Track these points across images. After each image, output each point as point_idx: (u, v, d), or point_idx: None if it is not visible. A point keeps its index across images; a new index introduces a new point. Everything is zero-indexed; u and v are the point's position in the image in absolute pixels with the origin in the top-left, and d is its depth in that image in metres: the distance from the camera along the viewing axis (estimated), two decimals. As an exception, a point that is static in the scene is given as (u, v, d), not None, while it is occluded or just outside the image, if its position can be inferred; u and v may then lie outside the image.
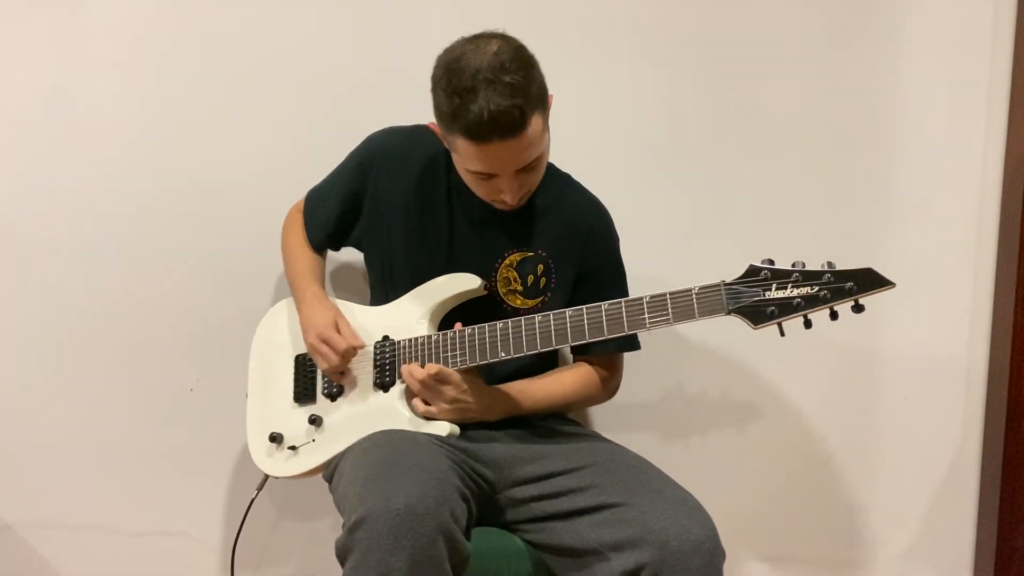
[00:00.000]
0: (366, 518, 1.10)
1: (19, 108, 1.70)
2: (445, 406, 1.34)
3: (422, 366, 1.36)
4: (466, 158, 1.27)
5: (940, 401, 1.77)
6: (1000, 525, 1.71)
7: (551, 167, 1.47)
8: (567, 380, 1.46)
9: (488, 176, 1.29)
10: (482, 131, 1.21)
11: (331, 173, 1.54)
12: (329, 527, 1.78)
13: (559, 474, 1.31)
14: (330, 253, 1.60)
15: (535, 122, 1.24)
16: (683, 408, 1.79)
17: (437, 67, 1.27)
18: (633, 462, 1.32)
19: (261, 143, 1.71)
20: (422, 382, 1.33)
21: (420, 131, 1.47)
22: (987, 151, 1.71)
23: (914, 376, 1.76)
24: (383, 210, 1.46)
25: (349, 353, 1.39)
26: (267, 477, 1.49)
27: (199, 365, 1.76)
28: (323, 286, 1.51)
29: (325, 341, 1.39)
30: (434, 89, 1.27)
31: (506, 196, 1.31)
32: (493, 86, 1.19)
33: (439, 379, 1.33)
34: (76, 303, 1.73)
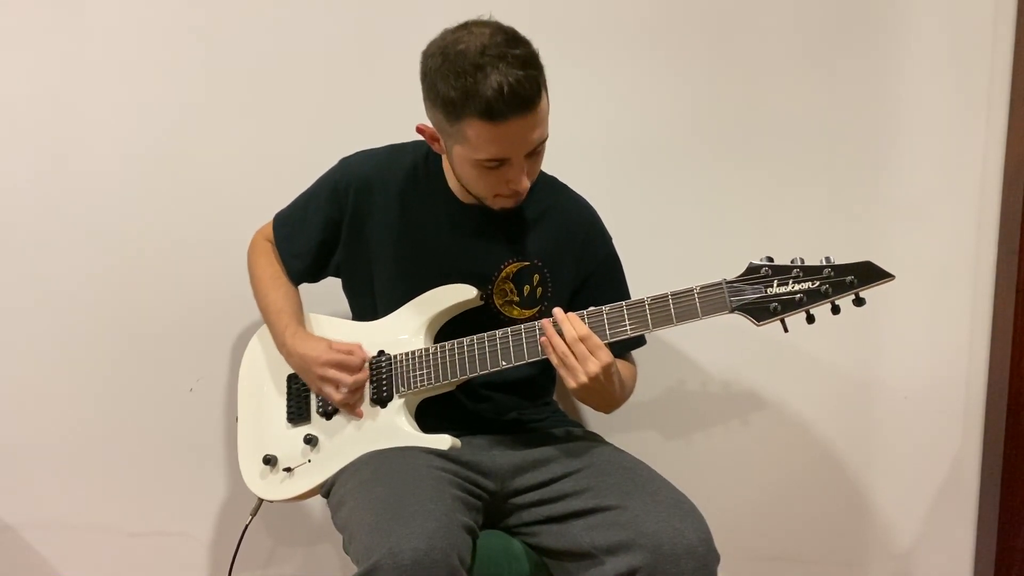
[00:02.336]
0: (374, 570, 1.08)
1: (18, 109, 1.70)
2: (584, 380, 1.22)
3: (417, 383, 1.34)
4: (478, 144, 1.21)
5: (940, 401, 1.77)
6: (1000, 525, 1.71)
7: (540, 172, 1.45)
8: (622, 367, 1.40)
9: (498, 164, 1.24)
10: (501, 107, 1.16)
11: (300, 198, 1.49)
12: (333, 535, 1.77)
13: (557, 479, 1.30)
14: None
15: (544, 97, 1.22)
16: (683, 408, 1.79)
17: (430, 56, 1.22)
18: (629, 464, 1.31)
19: (262, 143, 1.71)
20: (572, 342, 1.21)
21: (394, 150, 1.45)
22: (987, 151, 1.71)
23: (914, 376, 1.76)
24: (365, 235, 1.42)
25: (363, 367, 1.35)
26: (261, 502, 1.45)
27: (199, 365, 1.75)
28: (302, 322, 1.44)
29: (335, 365, 1.34)
30: (431, 79, 1.21)
31: (516, 184, 1.26)
32: (504, 60, 1.16)
33: (592, 347, 1.22)
34: (76, 303, 1.73)
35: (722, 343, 1.75)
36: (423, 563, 1.07)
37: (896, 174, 1.72)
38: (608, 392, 1.27)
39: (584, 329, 1.22)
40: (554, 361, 1.24)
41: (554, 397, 1.55)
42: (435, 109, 1.24)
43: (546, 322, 1.25)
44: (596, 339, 1.22)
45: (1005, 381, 1.69)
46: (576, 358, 1.22)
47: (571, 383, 1.23)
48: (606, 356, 1.22)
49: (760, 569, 1.82)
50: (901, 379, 1.76)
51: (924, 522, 1.80)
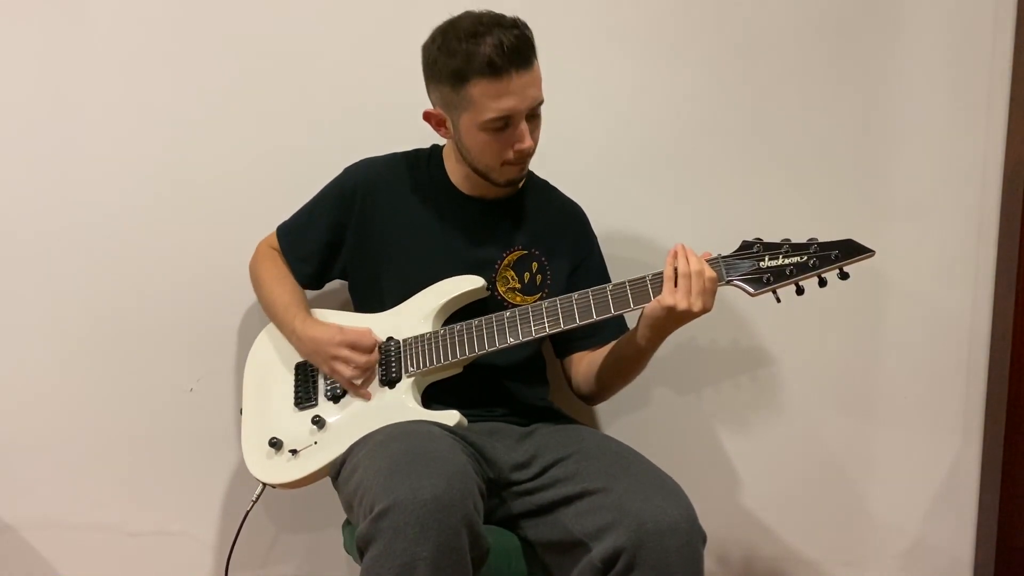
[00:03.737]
0: (392, 507, 1.09)
1: (19, 109, 1.70)
2: (696, 302, 1.26)
3: (426, 362, 1.37)
4: (483, 104, 1.29)
5: (940, 401, 1.77)
6: (1000, 525, 1.71)
7: (531, 174, 1.51)
8: None
9: (504, 125, 1.31)
10: (502, 62, 1.26)
11: (304, 207, 1.53)
12: (334, 531, 1.78)
13: (548, 467, 1.32)
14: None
15: (538, 63, 1.31)
16: (682, 410, 1.79)
17: (429, 43, 1.33)
18: (616, 449, 1.33)
19: (262, 143, 1.71)
20: (689, 274, 1.26)
21: (395, 155, 1.52)
22: (987, 151, 1.71)
23: (914, 376, 1.76)
24: (373, 235, 1.47)
25: (374, 348, 1.39)
26: (264, 487, 1.44)
27: (199, 365, 1.75)
28: (310, 313, 1.47)
29: (347, 345, 1.38)
30: (433, 58, 1.32)
31: (522, 142, 1.33)
32: (499, 26, 1.28)
33: (712, 288, 1.27)
34: (76, 303, 1.73)
35: (720, 346, 1.75)
36: (443, 500, 1.10)
37: (896, 174, 1.72)
38: (665, 337, 1.33)
39: (712, 272, 1.27)
40: (680, 270, 1.26)
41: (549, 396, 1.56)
42: (440, 85, 1.33)
43: (680, 246, 1.30)
44: (715, 284, 1.27)
45: (1005, 381, 1.70)
46: (693, 284, 1.26)
47: (682, 303, 1.25)
48: (710, 303, 1.27)
49: (760, 569, 1.82)
50: (901, 379, 1.77)
51: (924, 522, 1.80)
